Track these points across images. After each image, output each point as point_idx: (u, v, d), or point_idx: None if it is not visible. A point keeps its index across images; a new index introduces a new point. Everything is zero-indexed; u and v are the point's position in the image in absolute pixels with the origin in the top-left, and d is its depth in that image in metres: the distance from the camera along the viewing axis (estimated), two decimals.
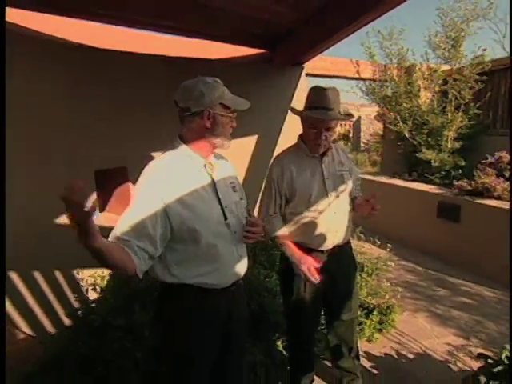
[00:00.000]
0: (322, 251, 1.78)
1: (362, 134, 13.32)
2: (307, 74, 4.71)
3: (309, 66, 4.50)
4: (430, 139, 4.66)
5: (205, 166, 1.38)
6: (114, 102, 2.97)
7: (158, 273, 1.33)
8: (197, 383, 1.46)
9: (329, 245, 1.77)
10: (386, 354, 2.57)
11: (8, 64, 2.31)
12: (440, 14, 4.41)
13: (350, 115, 1.84)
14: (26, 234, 2.46)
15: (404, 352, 2.58)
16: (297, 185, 1.73)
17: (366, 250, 3.55)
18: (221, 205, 1.37)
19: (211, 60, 3.75)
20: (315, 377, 2.27)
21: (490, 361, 1.86)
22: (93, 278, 2.66)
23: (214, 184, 1.38)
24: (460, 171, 4.42)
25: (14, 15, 2.52)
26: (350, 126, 16.17)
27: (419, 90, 4.98)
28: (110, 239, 1.19)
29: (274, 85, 4.01)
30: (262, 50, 4.10)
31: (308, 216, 1.75)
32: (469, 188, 3.79)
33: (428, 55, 4.78)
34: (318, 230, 1.75)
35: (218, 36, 3.69)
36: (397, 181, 4.96)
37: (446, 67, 4.71)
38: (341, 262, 1.84)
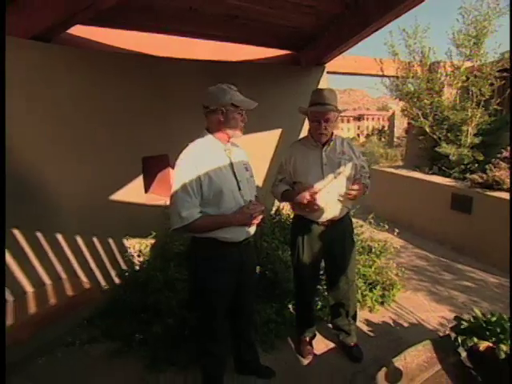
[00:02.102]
0: (318, 223, 2.19)
1: (395, 129, 13.23)
2: (332, 72, 5.06)
3: (333, 65, 4.83)
4: (449, 134, 4.84)
5: (225, 150, 1.86)
6: (160, 102, 3.51)
7: None
8: (217, 323, 1.96)
9: (323, 218, 2.18)
10: (383, 322, 2.93)
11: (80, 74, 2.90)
12: (462, 13, 4.55)
13: (340, 110, 2.21)
14: (90, 205, 3.04)
15: (400, 321, 2.93)
16: (298, 169, 2.17)
17: (375, 236, 3.87)
18: (236, 179, 1.84)
19: (244, 62, 4.21)
20: (318, 334, 2.70)
21: (462, 322, 2.18)
22: (139, 245, 3.24)
23: (231, 164, 1.86)
24: (478, 165, 4.57)
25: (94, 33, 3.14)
26: (384, 120, 16.03)
27: (443, 87, 5.14)
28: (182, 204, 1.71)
29: (298, 83, 4.40)
30: (289, 52, 4.50)
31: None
32: (480, 181, 3.98)
33: (452, 52, 4.92)
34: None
35: (249, 40, 4.13)
36: (416, 174, 5.18)
37: (469, 64, 4.84)
38: (335, 234, 2.24)
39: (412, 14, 3.57)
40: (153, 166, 3.62)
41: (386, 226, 3.78)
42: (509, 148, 4.04)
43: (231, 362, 2.33)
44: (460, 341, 2.06)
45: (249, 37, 3.98)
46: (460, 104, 4.83)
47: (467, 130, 4.69)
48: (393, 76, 5.28)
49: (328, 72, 4.93)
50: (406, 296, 3.33)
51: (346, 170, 2.18)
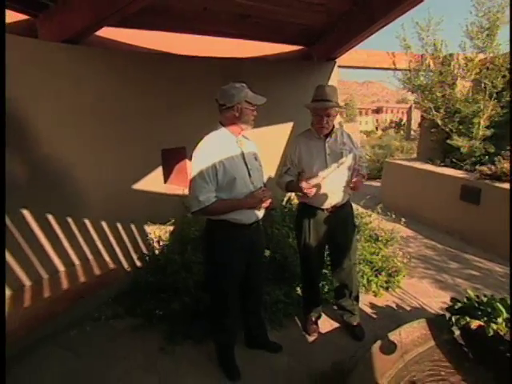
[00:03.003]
0: (323, 209, 2.38)
1: (412, 122, 13.09)
2: (345, 66, 5.18)
3: (346, 59, 4.94)
4: (461, 127, 4.87)
5: (237, 141, 2.06)
6: (178, 98, 3.74)
7: None
8: (230, 301, 2.18)
9: (327, 204, 2.36)
10: (386, 306, 3.09)
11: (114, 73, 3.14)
12: (475, 4, 4.56)
13: (341, 106, 2.38)
14: (111, 194, 3.31)
15: (403, 305, 3.08)
16: (303, 159, 2.35)
17: (385, 226, 4.00)
18: (247, 167, 2.04)
19: (258, 58, 4.39)
20: (324, 315, 2.89)
21: (457, 303, 2.33)
22: (159, 230, 3.49)
23: (243, 154, 2.06)
24: (489, 157, 4.59)
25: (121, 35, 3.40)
26: (403, 113, 15.85)
27: (456, 79, 5.16)
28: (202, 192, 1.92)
29: (309, 78, 4.55)
30: (301, 47, 4.64)
31: (312, 184, 2.35)
32: (488, 172, 4.04)
33: (465, 45, 4.93)
34: (320, 195, 2.34)
35: (263, 37, 4.29)
36: (427, 166, 5.24)
37: (483, 56, 4.85)
38: (338, 218, 2.42)
39: (425, 6, 3.65)
40: (171, 158, 3.86)
41: (393, 216, 3.90)
42: None
43: (242, 338, 2.56)
44: (454, 320, 2.20)
45: (262, 34, 4.15)
46: (472, 96, 4.85)
47: (479, 123, 4.72)
48: (405, 69, 5.33)
49: (341, 66, 5.06)
50: (412, 283, 3.47)
51: (348, 159, 2.34)
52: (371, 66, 5.30)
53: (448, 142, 4.95)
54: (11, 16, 2.85)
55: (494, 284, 3.38)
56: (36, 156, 2.78)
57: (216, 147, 1.97)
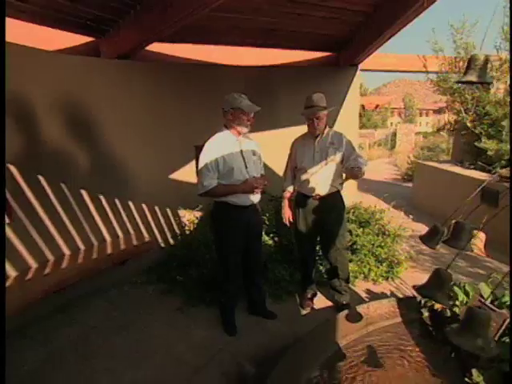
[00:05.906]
0: (312, 197, 2.79)
1: None
2: (374, 70, 5.40)
3: (375, 63, 5.17)
4: (490, 129, 4.83)
5: (237, 140, 2.56)
6: (210, 101, 4.29)
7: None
8: (231, 268, 2.69)
9: (315, 194, 2.77)
10: (382, 293, 3.37)
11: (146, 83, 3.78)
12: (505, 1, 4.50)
13: (325, 108, 2.73)
14: (152, 182, 4.00)
15: (397, 293, 3.33)
16: (297, 156, 2.78)
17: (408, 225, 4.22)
18: (244, 160, 2.53)
19: (285, 66, 4.82)
20: (320, 294, 3.27)
21: None
22: (189, 214, 4.12)
23: (241, 150, 2.55)
24: None
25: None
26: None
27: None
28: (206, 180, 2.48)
29: (334, 83, 4.88)
30: (327, 54, 4.99)
31: (304, 176, 2.77)
32: (507, 175, 4.04)
33: (500, 45, 4.87)
34: (310, 185, 2.76)
35: (288, 46, 4.72)
36: (455, 168, 5.25)
37: None
38: (325, 207, 2.80)
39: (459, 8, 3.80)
40: None
41: (402, 213, 4.10)
42: None
43: (245, 307, 3.06)
44: (423, 302, 2.48)
45: (288, 43, 4.58)
46: (504, 99, 4.79)
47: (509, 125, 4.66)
48: (435, 72, 5.38)
49: (370, 70, 5.30)
50: (413, 275, 3.68)
51: (334, 157, 2.72)
52: (401, 69, 5.43)
53: (476, 144, 4.94)
54: (81, 39, 3.63)
55: (495, 283, 3.45)
56: (99, 150, 3.53)
57: (218, 145, 2.49)
